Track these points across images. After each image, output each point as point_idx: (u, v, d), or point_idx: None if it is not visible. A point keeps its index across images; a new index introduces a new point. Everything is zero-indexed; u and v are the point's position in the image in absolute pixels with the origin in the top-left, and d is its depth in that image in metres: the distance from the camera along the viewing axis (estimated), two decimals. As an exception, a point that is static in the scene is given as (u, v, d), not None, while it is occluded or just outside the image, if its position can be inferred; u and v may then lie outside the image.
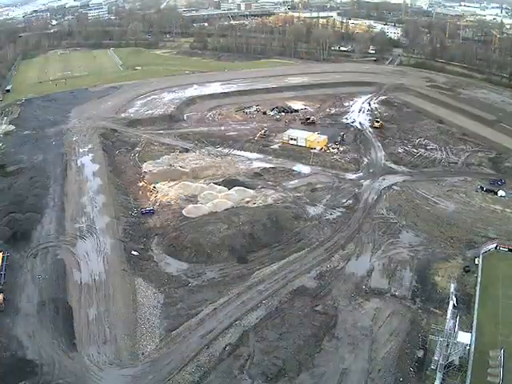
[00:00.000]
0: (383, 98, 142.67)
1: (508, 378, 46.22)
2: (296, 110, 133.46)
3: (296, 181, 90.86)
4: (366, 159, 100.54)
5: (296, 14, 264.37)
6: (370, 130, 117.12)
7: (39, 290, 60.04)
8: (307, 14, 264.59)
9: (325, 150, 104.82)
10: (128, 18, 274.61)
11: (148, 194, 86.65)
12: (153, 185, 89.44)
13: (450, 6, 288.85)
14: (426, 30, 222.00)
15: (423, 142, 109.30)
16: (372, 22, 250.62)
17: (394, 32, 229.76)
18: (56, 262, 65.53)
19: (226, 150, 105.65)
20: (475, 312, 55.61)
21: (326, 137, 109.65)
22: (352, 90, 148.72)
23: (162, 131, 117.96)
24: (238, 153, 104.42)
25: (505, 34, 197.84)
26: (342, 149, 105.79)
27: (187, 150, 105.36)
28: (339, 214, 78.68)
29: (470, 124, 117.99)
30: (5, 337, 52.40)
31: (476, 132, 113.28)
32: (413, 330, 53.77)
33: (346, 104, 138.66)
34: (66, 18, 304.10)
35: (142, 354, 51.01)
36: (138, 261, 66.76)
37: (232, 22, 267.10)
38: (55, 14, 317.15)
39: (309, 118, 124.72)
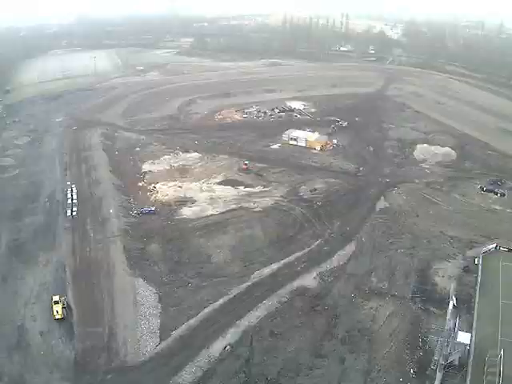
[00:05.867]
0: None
1: (507, 378, 46.22)
2: (296, 110, 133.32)
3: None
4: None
5: (296, 14, 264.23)
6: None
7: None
8: (307, 14, 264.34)
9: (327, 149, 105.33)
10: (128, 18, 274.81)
11: (148, 194, 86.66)
12: (153, 185, 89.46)
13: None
14: (425, 29, 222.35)
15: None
16: (372, 22, 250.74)
17: (394, 32, 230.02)
18: (56, 263, 65.66)
19: (226, 150, 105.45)
20: (475, 312, 55.61)
21: (326, 137, 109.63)
22: (352, 91, 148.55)
23: (161, 131, 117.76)
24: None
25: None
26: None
27: (187, 151, 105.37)
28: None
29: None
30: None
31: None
32: (413, 330, 53.78)
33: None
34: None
35: (143, 353, 51.02)
36: (138, 261, 66.77)
37: (231, 22, 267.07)
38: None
39: None
